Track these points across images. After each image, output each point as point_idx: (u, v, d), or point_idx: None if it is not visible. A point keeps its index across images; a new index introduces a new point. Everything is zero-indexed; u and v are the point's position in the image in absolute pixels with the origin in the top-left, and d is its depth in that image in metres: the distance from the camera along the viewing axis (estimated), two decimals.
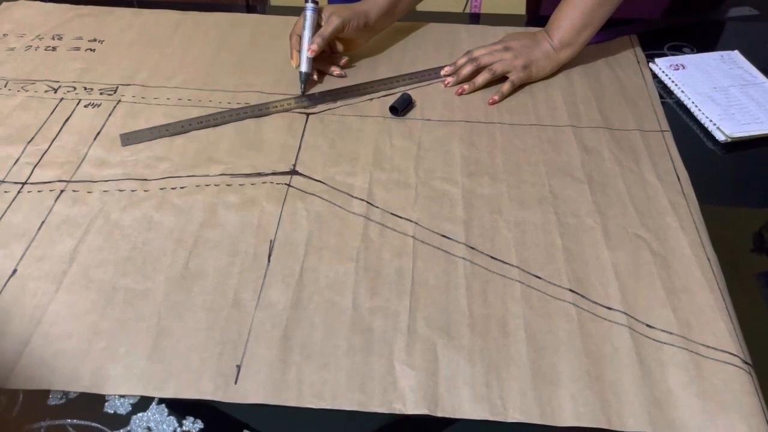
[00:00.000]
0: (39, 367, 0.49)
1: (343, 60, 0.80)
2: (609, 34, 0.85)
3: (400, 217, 0.61)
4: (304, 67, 0.76)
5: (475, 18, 0.95)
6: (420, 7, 0.90)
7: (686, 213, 0.62)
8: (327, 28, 0.76)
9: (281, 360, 0.50)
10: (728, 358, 0.50)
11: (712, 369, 0.49)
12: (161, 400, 0.48)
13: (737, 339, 0.51)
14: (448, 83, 0.78)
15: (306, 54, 0.75)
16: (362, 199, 0.63)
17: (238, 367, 0.49)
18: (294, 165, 0.67)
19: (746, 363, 0.50)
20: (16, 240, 0.58)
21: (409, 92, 0.76)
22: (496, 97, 0.75)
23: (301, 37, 0.77)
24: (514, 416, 0.47)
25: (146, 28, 0.88)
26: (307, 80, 0.76)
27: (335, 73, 0.79)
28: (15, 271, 0.56)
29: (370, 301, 0.54)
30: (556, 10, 0.78)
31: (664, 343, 0.51)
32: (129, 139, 0.69)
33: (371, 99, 0.76)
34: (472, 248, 0.59)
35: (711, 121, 0.71)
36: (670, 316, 0.53)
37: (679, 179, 0.65)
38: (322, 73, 0.79)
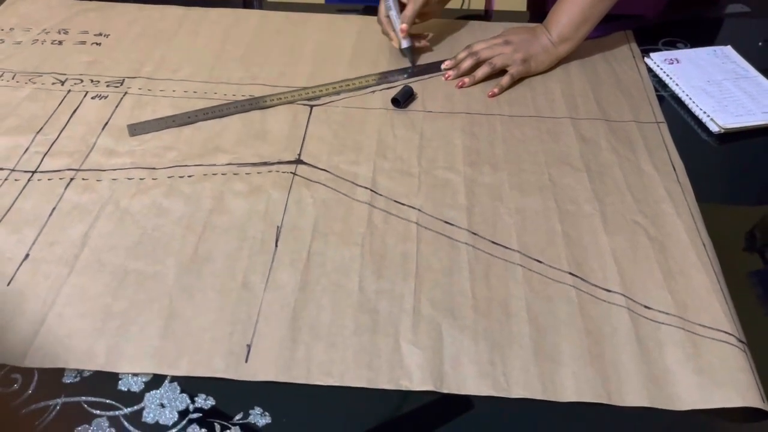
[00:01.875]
0: (54, 346, 0.50)
1: (426, 34, 0.87)
2: (606, 29, 0.87)
3: (404, 204, 0.63)
4: (404, 44, 0.81)
5: (485, 15, 0.97)
6: None
7: (682, 200, 0.64)
8: (415, 4, 0.79)
9: (290, 339, 0.51)
10: (723, 336, 0.52)
11: (708, 347, 0.51)
12: (173, 378, 0.49)
13: (732, 319, 0.53)
14: (449, 76, 0.80)
15: (399, 32, 0.81)
16: (366, 187, 0.64)
17: (249, 346, 0.51)
18: (299, 154, 0.68)
19: (741, 341, 0.51)
20: (28, 226, 0.59)
21: (410, 85, 0.77)
22: (496, 90, 0.77)
23: (390, 18, 0.82)
24: (517, 392, 0.48)
25: (151, 22, 0.89)
26: (412, 52, 0.82)
27: (423, 43, 0.85)
28: (27, 255, 0.57)
29: (375, 283, 0.55)
30: (555, 5, 0.80)
31: (662, 323, 0.53)
32: (136, 129, 0.70)
33: (373, 92, 0.78)
34: (475, 234, 0.60)
35: (705, 112, 0.73)
36: (667, 297, 0.55)
37: (674, 168, 0.67)
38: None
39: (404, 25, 0.80)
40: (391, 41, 0.83)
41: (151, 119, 0.72)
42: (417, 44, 0.84)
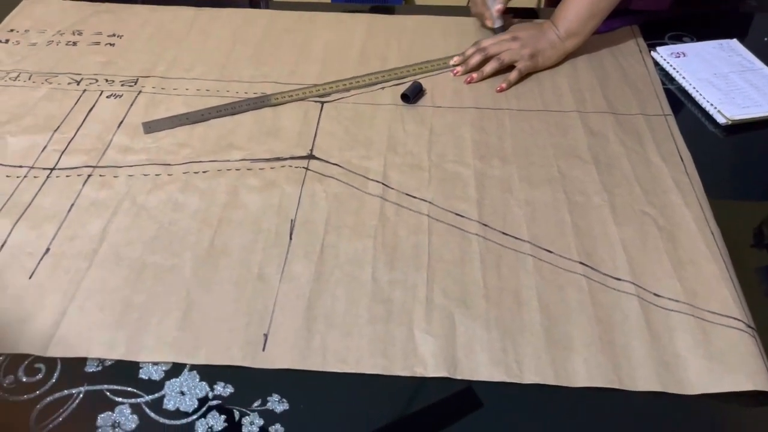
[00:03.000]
0: (75, 337, 0.51)
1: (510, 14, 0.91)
2: (613, 23, 0.87)
3: (415, 197, 0.64)
4: (498, 23, 0.86)
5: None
6: (424, 1, 0.93)
7: (690, 191, 0.64)
8: None
9: (306, 329, 0.52)
10: (733, 323, 0.52)
11: (717, 333, 0.52)
12: (193, 367, 0.50)
13: (741, 305, 0.54)
14: (458, 72, 0.81)
15: (495, 11, 0.85)
16: (378, 181, 0.65)
17: (265, 335, 0.52)
18: (311, 150, 0.69)
19: (750, 327, 0.52)
20: (48, 221, 0.61)
21: (419, 81, 0.78)
22: (504, 85, 0.78)
23: (484, 1, 0.86)
24: (529, 378, 0.49)
25: (163, 23, 0.90)
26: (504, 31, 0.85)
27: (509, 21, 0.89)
28: (48, 249, 0.58)
29: (388, 274, 0.56)
30: (562, 0, 0.81)
31: (672, 310, 0.54)
32: (151, 127, 0.72)
33: (383, 88, 0.79)
34: (485, 225, 0.61)
35: (711, 104, 0.74)
36: (676, 285, 0.56)
37: (682, 159, 0.68)
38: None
39: (500, 6, 0.84)
40: (485, 21, 0.87)
41: (165, 117, 0.73)
42: (503, 23, 0.87)
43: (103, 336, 0.51)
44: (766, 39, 0.89)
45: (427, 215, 0.62)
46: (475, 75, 0.80)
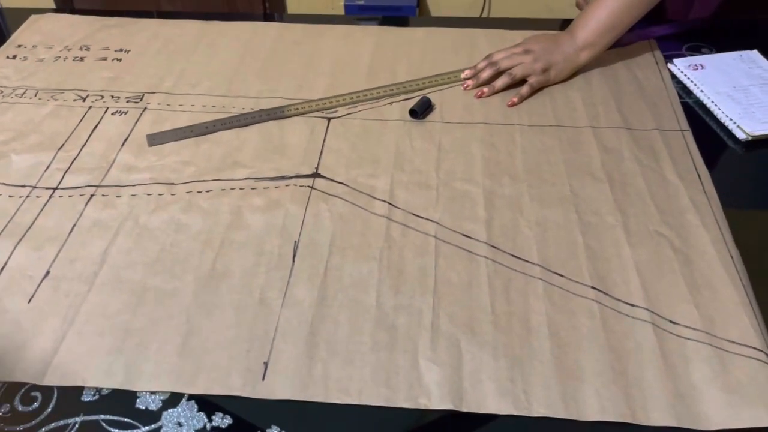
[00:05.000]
0: (73, 365, 0.50)
1: None
2: (649, 32, 0.86)
3: (422, 218, 0.62)
4: None
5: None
6: (436, 12, 0.91)
7: (708, 211, 0.62)
8: None
9: (307, 356, 0.51)
10: (752, 353, 0.50)
11: (736, 364, 0.50)
12: (191, 397, 0.49)
13: (761, 334, 0.51)
14: (468, 86, 0.79)
15: None
16: (384, 201, 0.64)
17: (266, 363, 0.50)
18: (317, 168, 0.68)
19: None
20: (49, 243, 0.60)
21: (428, 95, 0.77)
22: (515, 99, 0.76)
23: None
24: (538, 410, 0.47)
25: (171, 37, 0.90)
26: None
27: None
28: (48, 272, 0.57)
29: (393, 298, 0.55)
30: (583, 9, 0.79)
31: (688, 338, 0.52)
32: (155, 139, 0.71)
33: (391, 103, 0.77)
34: (494, 247, 0.59)
35: (731, 119, 0.72)
36: (693, 312, 0.53)
37: (699, 177, 0.66)
38: None
39: None
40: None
41: (169, 129, 0.72)
42: None
43: (101, 363, 0.50)
44: None
45: (434, 236, 0.60)
46: (486, 89, 0.78)
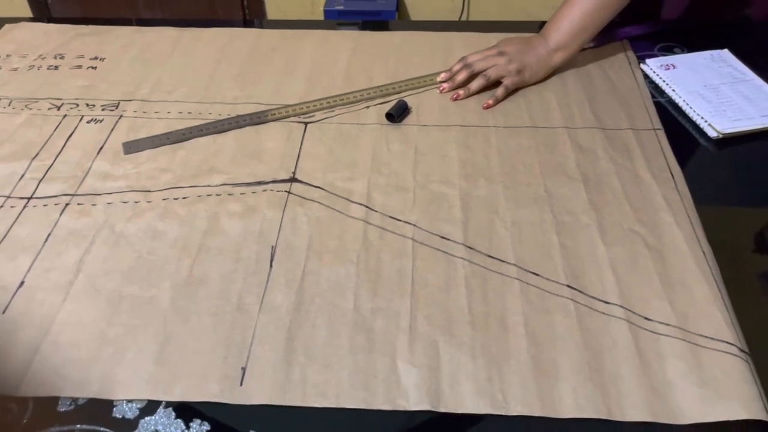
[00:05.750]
0: (48, 375, 0.50)
1: None
2: (602, 39, 0.87)
3: (399, 220, 0.62)
4: None
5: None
6: (415, 17, 0.92)
7: (680, 209, 0.63)
8: None
9: (285, 361, 0.51)
10: (725, 347, 0.51)
11: (709, 358, 0.50)
12: (168, 404, 0.49)
13: (734, 329, 0.52)
14: (444, 89, 0.79)
15: None
16: (361, 204, 0.64)
17: (243, 369, 0.50)
18: (294, 172, 0.68)
19: (743, 351, 0.50)
20: (24, 253, 0.59)
21: (404, 99, 0.77)
22: (491, 101, 0.77)
23: None
24: (515, 409, 0.48)
25: (147, 44, 0.89)
26: None
27: None
28: (23, 282, 0.57)
29: (371, 301, 0.55)
30: (555, 12, 0.80)
31: (662, 334, 0.52)
32: (131, 147, 0.71)
33: (368, 107, 0.77)
34: (471, 248, 0.60)
35: (702, 118, 0.73)
36: (667, 308, 0.54)
37: (672, 176, 0.66)
38: None
39: None
40: None
41: (145, 137, 0.72)
42: None
43: (77, 373, 0.50)
44: None
45: (412, 238, 0.61)
46: (461, 92, 0.78)
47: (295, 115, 0.76)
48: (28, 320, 0.54)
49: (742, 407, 0.47)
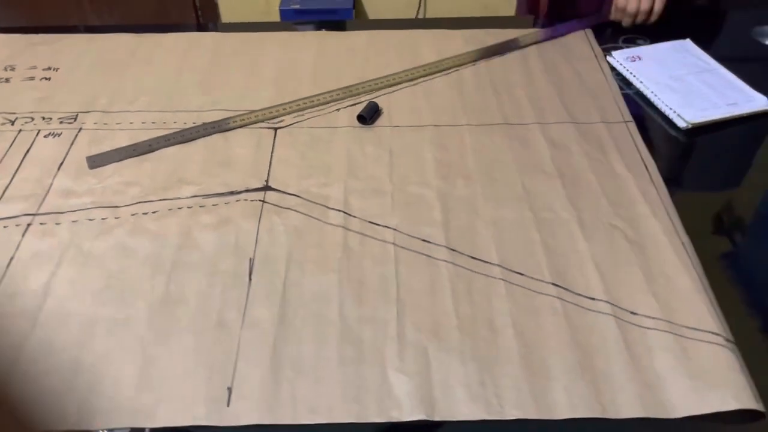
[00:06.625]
0: (21, 409, 0.47)
1: None
2: (569, 27, 0.87)
3: (379, 225, 0.61)
4: None
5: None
6: (372, 14, 0.91)
7: (657, 200, 0.63)
8: None
9: (273, 378, 0.49)
10: (711, 337, 0.51)
11: (697, 349, 0.50)
12: (153, 431, 0.46)
13: (718, 318, 0.53)
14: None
15: None
16: (339, 210, 0.63)
17: (229, 389, 0.48)
18: (267, 180, 0.66)
19: (729, 341, 0.51)
20: None
21: (375, 100, 0.76)
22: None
23: None
24: (511, 413, 0.47)
25: (102, 52, 0.86)
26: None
27: None
28: None
29: (357, 310, 0.54)
30: None
31: (649, 328, 0.52)
32: (95, 161, 0.68)
33: (338, 109, 0.76)
34: (453, 250, 0.59)
35: (671, 109, 0.73)
36: (651, 301, 0.54)
37: (646, 168, 0.67)
38: None
39: None
40: None
41: (110, 150, 0.69)
42: None
43: (52, 404, 0.47)
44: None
45: (393, 243, 0.59)
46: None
47: (263, 120, 0.74)
48: None
49: (733, 397, 0.47)
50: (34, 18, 1.91)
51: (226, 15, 1.96)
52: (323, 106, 0.76)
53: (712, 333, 0.51)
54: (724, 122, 0.73)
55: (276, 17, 1.88)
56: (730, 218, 0.64)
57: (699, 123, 0.72)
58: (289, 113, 0.75)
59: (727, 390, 0.48)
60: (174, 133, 0.71)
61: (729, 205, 0.65)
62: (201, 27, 0.94)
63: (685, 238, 0.59)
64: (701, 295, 0.54)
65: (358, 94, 0.78)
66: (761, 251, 0.60)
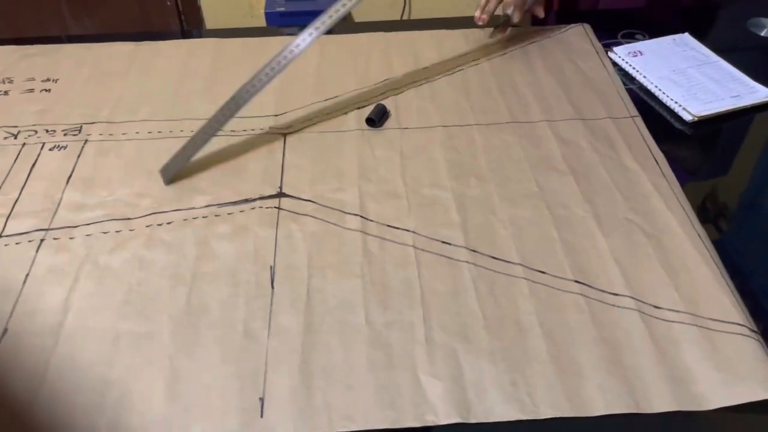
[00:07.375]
0: (49, 427, 0.46)
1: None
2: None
3: (397, 228, 0.61)
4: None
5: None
6: (359, 18, 0.90)
7: (669, 193, 0.64)
8: None
9: (304, 386, 0.49)
10: (736, 328, 0.52)
11: (723, 341, 0.51)
12: None
13: (741, 309, 0.53)
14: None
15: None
16: (356, 214, 0.62)
17: (261, 399, 0.48)
18: (280, 187, 0.66)
19: (753, 331, 0.52)
20: (2, 297, 0.55)
21: (382, 102, 0.75)
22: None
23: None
24: (546, 412, 0.47)
25: (100, 62, 0.85)
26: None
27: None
28: (6, 330, 0.53)
29: (383, 315, 0.53)
30: None
31: (674, 321, 0.53)
32: (166, 172, 0.66)
33: (346, 113, 0.76)
34: (474, 251, 0.59)
35: (676, 102, 0.74)
36: (674, 294, 0.55)
37: (657, 161, 0.68)
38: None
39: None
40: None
41: (173, 157, 0.66)
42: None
43: (81, 423, 0.47)
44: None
45: (413, 246, 0.59)
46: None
47: (271, 127, 0.73)
48: (18, 369, 0.50)
49: (761, 386, 0.48)
50: (12, 28, 1.87)
51: (210, 20, 1.94)
52: (331, 110, 0.76)
53: (737, 324, 0.52)
54: (728, 114, 0.74)
55: (261, 21, 1.86)
56: (715, 206, 0.64)
57: (705, 116, 0.72)
58: (297, 119, 0.74)
59: (756, 379, 0.48)
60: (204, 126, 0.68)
61: (713, 192, 0.66)
62: (185, 33, 0.93)
63: (701, 230, 0.60)
64: (722, 286, 0.55)
65: (365, 99, 0.77)
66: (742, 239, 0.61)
